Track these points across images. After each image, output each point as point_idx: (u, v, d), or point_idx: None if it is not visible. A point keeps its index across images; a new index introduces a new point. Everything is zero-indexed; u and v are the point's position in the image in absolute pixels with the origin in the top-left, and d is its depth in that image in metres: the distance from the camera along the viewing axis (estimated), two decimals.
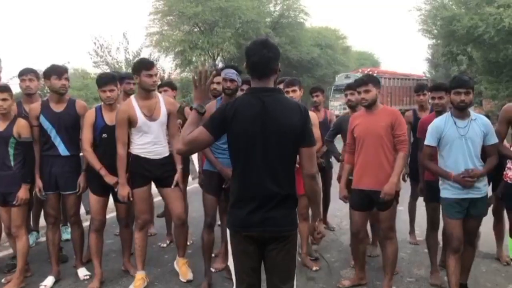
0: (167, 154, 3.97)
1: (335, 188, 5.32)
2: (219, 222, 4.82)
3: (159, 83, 4.48)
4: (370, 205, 3.82)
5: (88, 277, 4.20)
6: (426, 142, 3.60)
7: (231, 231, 2.45)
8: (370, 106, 3.77)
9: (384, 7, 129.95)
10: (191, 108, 2.46)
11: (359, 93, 3.84)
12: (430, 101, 4.32)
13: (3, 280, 4.15)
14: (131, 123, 3.81)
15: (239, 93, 4.23)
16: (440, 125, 3.52)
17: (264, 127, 2.30)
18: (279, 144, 2.32)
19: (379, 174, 3.67)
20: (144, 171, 3.88)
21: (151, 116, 3.85)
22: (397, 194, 3.72)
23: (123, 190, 3.85)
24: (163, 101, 3.97)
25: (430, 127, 3.59)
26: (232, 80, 3.86)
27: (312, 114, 4.08)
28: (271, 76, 2.39)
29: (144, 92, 3.86)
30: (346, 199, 4.06)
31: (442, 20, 21.74)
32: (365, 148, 3.75)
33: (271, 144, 2.32)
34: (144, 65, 3.83)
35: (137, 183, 3.88)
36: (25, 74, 4.49)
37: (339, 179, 4.88)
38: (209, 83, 2.48)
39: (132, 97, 3.97)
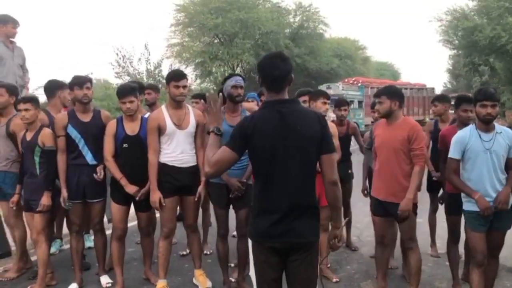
0: (194, 163, 4.03)
1: (355, 201, 5.32)
2: (233, 233, 4.84)
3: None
4: (388, 213, 3.79)
5: (110, 284, 4.26)
6: (450, 155, 3.55)
7: (253, 241, 2.48)
8: (387, 117, 3.76)
9: (405, 18, 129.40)
10: (208, 132, 2.51)
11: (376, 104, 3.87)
12: (461, 113, 4.09)
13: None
14: (160, 130, 3.90)
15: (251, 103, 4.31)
16: (465, 137, 3.46)
17: (284, 139, 2.33)
18: (300, 154, 2.35)
19: (393, 186, 3.65)
20: (172, 179, 3.92)
21: (180, 125, 3.93)
22: (415, 206, 3.69)
23: (154, 196, 3.89)
24: (192, 113, 4.05)
25: (454, 140, 3.54)
26: (242, 87, 3.91)
27: (331, 125, 4.08)
28: (286, 87, 2.44)
29: (173, 102, 3.95)
30: (366, 192, 4.33)
31: (464, 31, 21.59)
32: (381, 159, 3.76)
33: (292, 155, 2.34)
34: (173, 76, 3.95)
35: (165, 192, 3.92)
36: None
37: (363, 191, 4.89)
38: (219, 106, 2.53)
39: (163, 106, 4.07)
